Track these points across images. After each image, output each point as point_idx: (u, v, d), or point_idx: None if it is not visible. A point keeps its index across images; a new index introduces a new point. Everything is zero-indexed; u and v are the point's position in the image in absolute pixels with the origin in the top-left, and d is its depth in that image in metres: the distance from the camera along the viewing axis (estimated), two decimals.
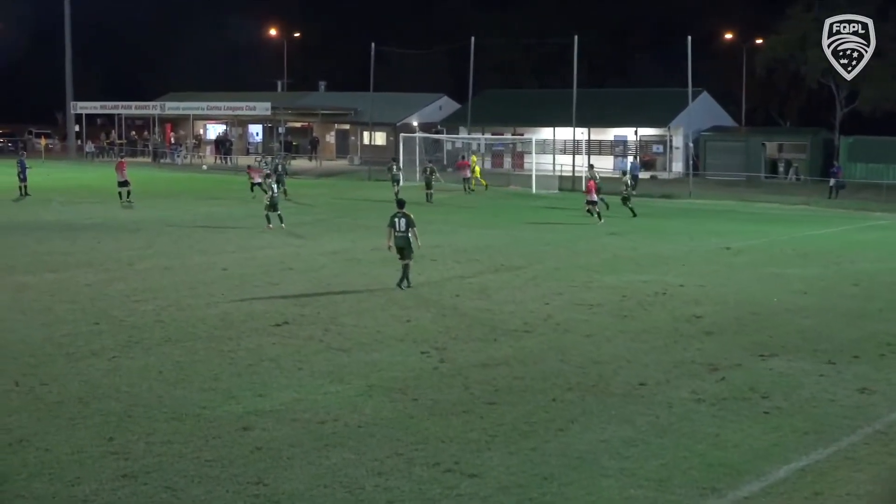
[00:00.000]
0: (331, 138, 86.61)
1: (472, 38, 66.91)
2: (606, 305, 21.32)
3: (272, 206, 34.72)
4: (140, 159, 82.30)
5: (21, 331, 18.28)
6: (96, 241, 31.04)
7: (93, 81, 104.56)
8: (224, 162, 78.60)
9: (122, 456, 11.76)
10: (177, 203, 45.19)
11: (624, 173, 49.08)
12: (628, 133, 70.51)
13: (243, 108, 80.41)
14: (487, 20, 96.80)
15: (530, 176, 56.92)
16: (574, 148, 64.35)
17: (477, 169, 56.38)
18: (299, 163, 75.18)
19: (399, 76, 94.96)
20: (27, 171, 47.29)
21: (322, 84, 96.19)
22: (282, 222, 34.62)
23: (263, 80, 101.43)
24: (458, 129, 74.04)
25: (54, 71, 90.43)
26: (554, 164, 64.21)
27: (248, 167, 51.75)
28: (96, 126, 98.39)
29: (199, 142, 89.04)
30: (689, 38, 54.90)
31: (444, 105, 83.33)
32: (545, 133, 70.21)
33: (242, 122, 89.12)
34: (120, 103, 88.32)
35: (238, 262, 26.87)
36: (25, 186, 46.89)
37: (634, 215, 40.00)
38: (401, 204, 23.89)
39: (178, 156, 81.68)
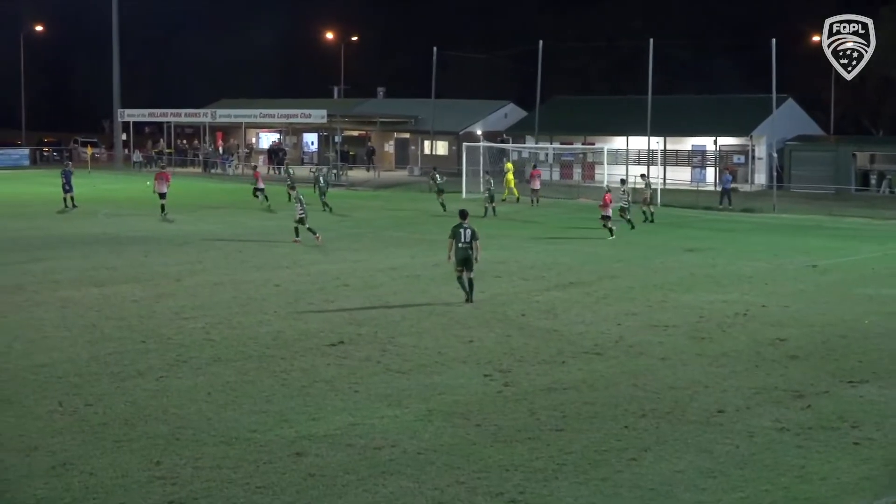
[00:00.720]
0: (389, 147, 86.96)
1: (541, 42, 67.03)
2: (683, 327, 21.17)
3: (300, 220, 35.06)
4: (190, 169, 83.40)
5: (66, 349, 18.58)
6: (143, 256, 31.46)
7: (141, 88, 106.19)
8: (277, 172, 79.29)
9: (168, 481, 11.90)
10: (227, 215, 45.67)
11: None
12: (707, 142, 69.95)
13: (298, 115, 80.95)
14: (556, 23, 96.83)
15: (601, 188, 56.65)
16: (649, 158, 64.01)
17: (511, 178, 56.35)
18: (356, 173, 75.60)
19: (462, 82, 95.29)
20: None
21: (381, 90, 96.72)
22: (314, 234, 34.66)
23: (319, 86, 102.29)
24: (525, 137, 73.95)
25: (101, 78, 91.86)
26: (627, 175, 63.81)
27: (254, 168, 51.84)
28: (144, 134, 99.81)
29: (251, 151, 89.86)
30: (774, 40, 54.44)
31: (510, 113, 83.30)
32: (618, 142, 69.95)
33: (297, 131, 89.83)
34: (169, 111, 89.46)
35: (291, 278, 27.09)
36: (72, 198, 47.61)
37: (633, 227, 40.49)
38: (464, 215, 24.00)
39: (230, 165, 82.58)
